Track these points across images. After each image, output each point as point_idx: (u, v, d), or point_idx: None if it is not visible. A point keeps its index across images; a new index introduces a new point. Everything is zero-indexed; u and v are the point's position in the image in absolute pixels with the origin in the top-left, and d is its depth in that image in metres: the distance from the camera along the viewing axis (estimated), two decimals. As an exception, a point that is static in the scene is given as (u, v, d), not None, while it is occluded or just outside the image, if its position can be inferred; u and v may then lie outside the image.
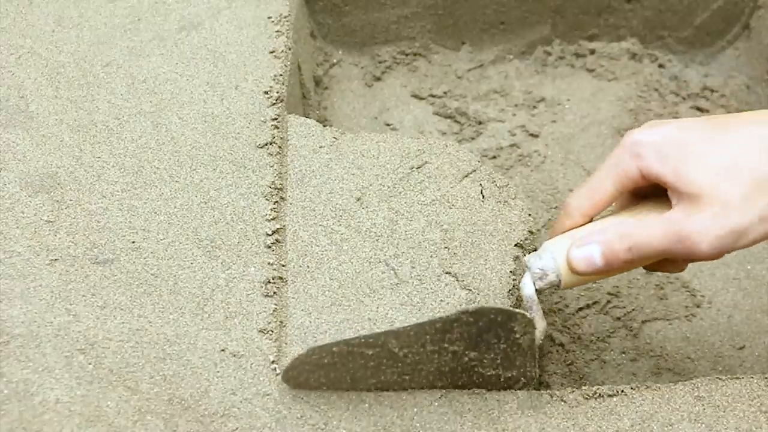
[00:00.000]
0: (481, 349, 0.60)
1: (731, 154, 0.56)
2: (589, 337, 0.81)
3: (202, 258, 0.68)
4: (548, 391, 0.63)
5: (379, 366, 0.60)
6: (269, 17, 0.84)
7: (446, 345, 0.60)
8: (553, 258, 0.61)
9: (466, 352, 0.60)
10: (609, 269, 0.60)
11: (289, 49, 0.83)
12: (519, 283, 0.69)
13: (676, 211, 0.57)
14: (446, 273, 0.68)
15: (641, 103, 1.00)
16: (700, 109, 1.00)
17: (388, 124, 0.99)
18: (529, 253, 0.72)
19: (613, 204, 0.64)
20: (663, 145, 0.58)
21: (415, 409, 0.62)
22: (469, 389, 0.63)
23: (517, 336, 0.60)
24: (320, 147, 0.75)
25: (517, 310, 0.59)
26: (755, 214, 0.55)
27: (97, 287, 0.66)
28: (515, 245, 0.70)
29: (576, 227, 0.62)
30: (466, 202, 0.72)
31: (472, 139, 0.97)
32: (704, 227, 0.55)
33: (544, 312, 0.81)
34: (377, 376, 0.61)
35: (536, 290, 0.62)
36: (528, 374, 0.63)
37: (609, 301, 0.83)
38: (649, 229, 0.58)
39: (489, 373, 0.62)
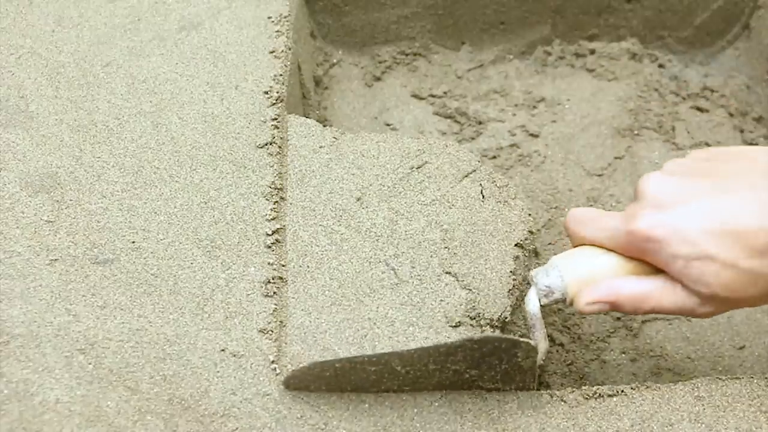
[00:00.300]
0: (482, 368, 0.60)
1: (742, 260, 0.55)
2: (589, 337, 0.81)
3: (202, 258, 0.68)
4: (548, 391, 0.63)
5: (380, 379, 0.61)
6: (269, 17, 0.84)
7: (449, 365, 0.60)
8: (560, 276, 0.60)
9: (468, 370, 0.60)
10: None
11: (289, 49, 0.83)
12: (523, 290, 0.69)
13: (690, 296, 0.58)
14: (446, 273, 0.68)
15: (641, 103, 1.00)
16: (700, 109, 1.00)
17: (388, 124, 0.99)
18: (529, 253, 0.72)
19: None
20: (673, 239, 0.57)
21: (415, 410, 0.62)
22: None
23: (520, 360, 0.60)
24: (320, 147, 0.75)
25: (522, 339, 0.59)
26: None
27: (97, 287, 0.66)
28: (515, 245, 0.70)
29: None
30: (466, 202, 0.72)
31: (472, 139, 0.97)
32: (718, 312, 0.59)
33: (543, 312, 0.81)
34: (378, 386, 0.61)
35: (540, 306, 0.61)
36: (527, 387, 0.63)
37: (609, 301, 0.83)
38: (660, 296, 0.59)
39: (488, 387, 0.62)
